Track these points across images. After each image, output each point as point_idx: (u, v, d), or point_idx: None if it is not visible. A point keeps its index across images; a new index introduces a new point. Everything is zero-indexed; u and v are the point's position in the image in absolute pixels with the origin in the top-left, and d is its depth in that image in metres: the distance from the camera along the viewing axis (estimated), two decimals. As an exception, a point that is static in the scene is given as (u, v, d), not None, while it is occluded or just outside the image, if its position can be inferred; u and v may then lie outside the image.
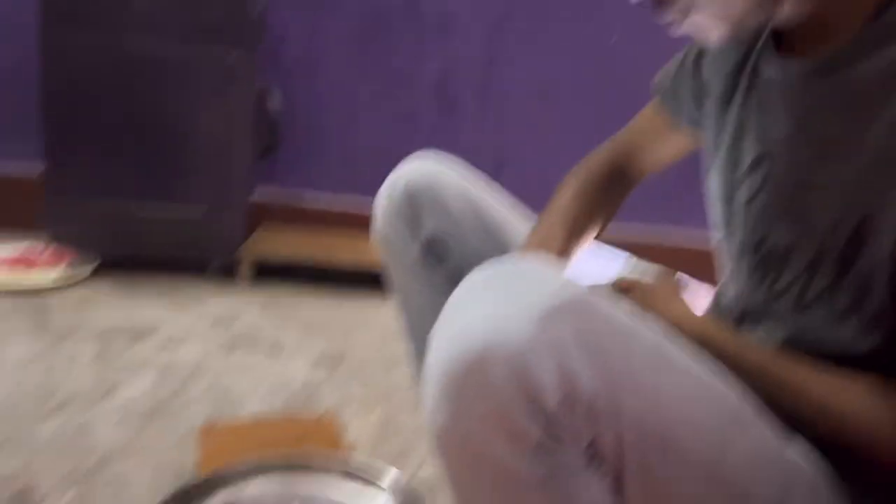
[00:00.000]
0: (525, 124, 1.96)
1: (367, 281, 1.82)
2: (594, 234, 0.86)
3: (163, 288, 1.78)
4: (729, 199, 0.69)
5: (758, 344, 0.63)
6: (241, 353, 1.50)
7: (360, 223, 1.91)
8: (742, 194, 0.66)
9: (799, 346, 0.62)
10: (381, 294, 1.80)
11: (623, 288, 0.71)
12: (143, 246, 1.80)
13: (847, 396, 0.57)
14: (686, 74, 0.80)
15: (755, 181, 0.64)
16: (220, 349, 1.50)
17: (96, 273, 1.80)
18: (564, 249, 0.80)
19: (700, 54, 0.79)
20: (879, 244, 0.55)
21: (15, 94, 1.91)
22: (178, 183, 1.75)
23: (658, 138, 0.86)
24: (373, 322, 1.69)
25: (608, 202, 0.87)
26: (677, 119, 0.83)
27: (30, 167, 1.89)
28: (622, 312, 0.51)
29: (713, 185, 0.72)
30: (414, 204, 0.83)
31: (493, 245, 0.85)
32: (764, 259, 0.64)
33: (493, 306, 0.47)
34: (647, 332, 0.52)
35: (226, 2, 1.67)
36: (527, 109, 1.95)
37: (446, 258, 0.84)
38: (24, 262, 1.82)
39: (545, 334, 0.46)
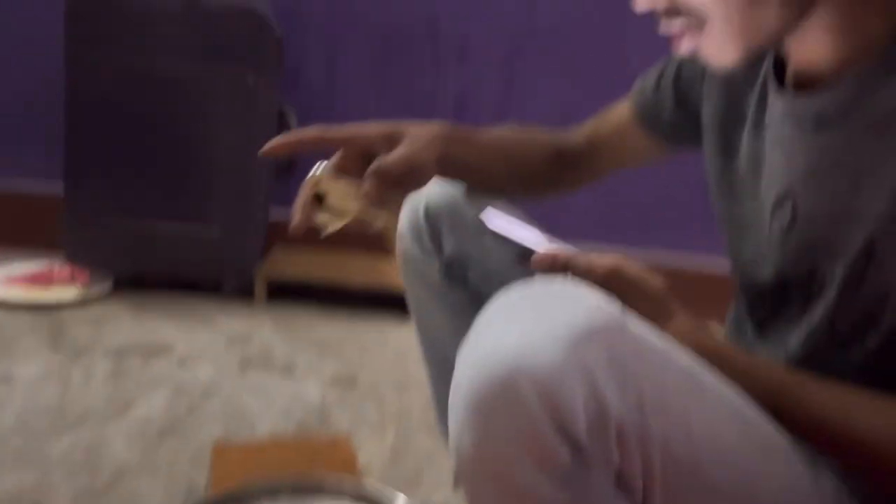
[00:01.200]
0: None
1: (382, 302, 1.82)
2: (500, 163, 0.79)
3: (178, 306, 1.78)
4: (750, 231, 0.68)
5: (769, 360, 0.62)
6: (254, 372, 1.49)
7: (376, 244, 1.92)
8: (774, 227, 0.65)
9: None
10: (396, 316, 1.80)
11: (603, 277, 0.60)
12: (159, 265, 1.81)
13: (874, 414, 0.55)
14: (669, 88, 0.80)
15: (784, 216, 0.63)
16: (234, 368, 1.50)
17: (113, 291, 1.81)
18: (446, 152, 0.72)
19: (686, 68, 0.78)
20: (885, 269, 0.55)
21: (39, 113, 1.94)
22: (196, 203, 1.76)
23: (627, 144, 0.86)
24: (387, 344, 1.69)
25: (542, 166, 0.84)
26: (655, 133, 0.83)
27: (50, 186, 1.91)
28: (654, 336, 0.51)
29: (728, 213, 0.71)
30: (434, 224, 0.83)
31: (513, 268, 0.84)
32: (808, 289, 0.63)
33: (524, 327, 0.46)
34: (680, 357, 0.51)
35: (248, 24, 1.70)
36: (543, 133, 1.95)
37: (466, 279, 0.84)
38: (42, 279, 1.83)
39: (576, 358, 0.45)
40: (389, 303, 1.78)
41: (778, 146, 0.64)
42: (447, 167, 0.72)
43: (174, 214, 1.76)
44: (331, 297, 1.86)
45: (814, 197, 0.61)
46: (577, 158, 0.86)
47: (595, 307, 0.48)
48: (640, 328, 0.49)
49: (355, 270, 1.89)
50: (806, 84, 0.62)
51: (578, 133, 0.88)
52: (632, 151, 0.86)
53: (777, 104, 0.65)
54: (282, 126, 1.88)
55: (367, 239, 1.99)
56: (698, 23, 0.59)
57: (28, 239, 2.02)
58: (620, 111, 0.86)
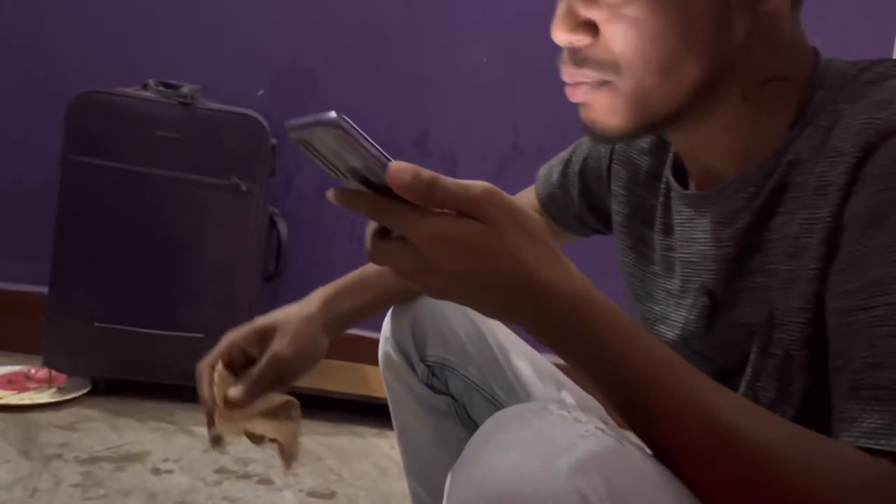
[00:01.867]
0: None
1: (364, 411, 1.79)
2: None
3: (155, 413, 1.74)
4: (669, 326, 0.69)
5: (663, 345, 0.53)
6: (231, 482, 1.45)
7: (358, 352, 1.90)
8: (694, 321, 0.65)
9: None
10: (378, 426, 1.76)
11: (476, 200, 0.47)
12: (139, 370, 1.78)
13: (782, 433, 0.48)
14: (575, 180, 0.82)
15: (704, 309, 0.64)
16: (209, 478, 1.46)
17: (90, 395, 1.77)
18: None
19: (591, 163, 0.80)
20: (786, 333, 0.56)
21: (32, 216, 1.96)
22: (181, 309, 1.76)
23: None
24: (368, 455, 1.65)
25: None
26: (559, 221, 0.85)
27: (34, 287, 1.90)
28: (653, 462, 0.49)
29: (644, 310, 0.72)
30: (418, 331, 0.84)
31: (495, 378, 0.84)
32: (739, 373, 0.63)
33: (519, 453, 0.45)
34: (678, 485, 0.50)
35: (244, 131, 1.74)
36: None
37: (448, 387, 0.84)
38: (19, 381, 1.80)
39: (573, 486, 0.43)
40: (371, 412, 1.75)
41: (689, 244, 0.66)
42: (340, 327, 0.79)
43: (158, 319, 1.75)
44: (311, 406, 1.82)
45: (731, 285, 0.62)
46: None
47: (592, 432, 0.46)
48: (638, 455, 0.48)
49: (337, 378, 1.87)
50: (709, 182, 0.64)
51: None
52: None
53: (682, 205, 0.66)
54: (271, 231, 1.90)
55: (349, 346, 1.98)
56: (605, 78, 0.58)
57: (7, 340, 1.99)
58: (528, 197, 0.89)
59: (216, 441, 0.70)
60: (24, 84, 1.95)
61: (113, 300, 1.74)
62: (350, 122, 0.44)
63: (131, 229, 1.73)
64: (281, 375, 0.74)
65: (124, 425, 1.65)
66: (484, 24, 1.99)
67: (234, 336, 0.76)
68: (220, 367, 0.71)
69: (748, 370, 0.60)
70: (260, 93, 1.98)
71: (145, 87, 1.75)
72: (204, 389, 0.72)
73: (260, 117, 1.77)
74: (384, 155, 0.46)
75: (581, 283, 0.50)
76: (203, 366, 0.75)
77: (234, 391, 0.69)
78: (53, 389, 1.76)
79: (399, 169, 0.45)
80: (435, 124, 2.01)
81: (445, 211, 0.47)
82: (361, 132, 0.45)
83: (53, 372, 1.79)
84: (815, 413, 0.55)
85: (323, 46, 1.98)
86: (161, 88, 1.73)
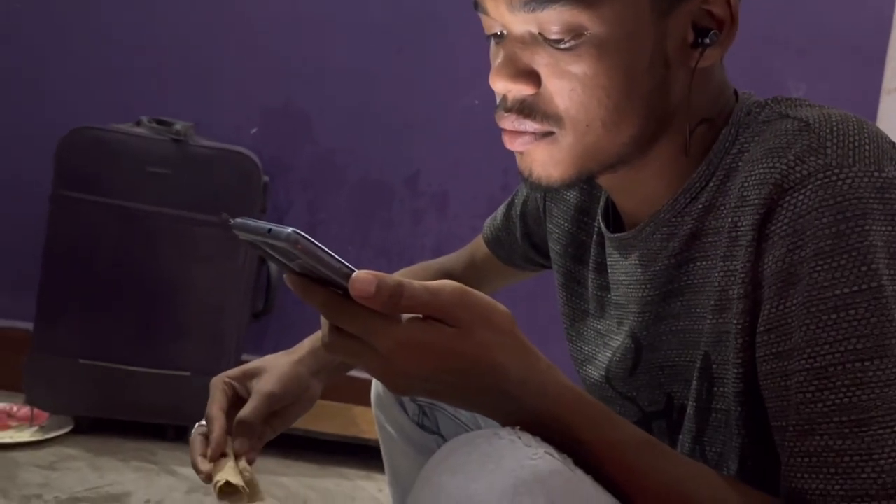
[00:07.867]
0: (517, 300, 1.98)
1: (350, 452, 1.76)
2: None
3: (139, 452, 1.71)
4: (598, 369, 0.69)
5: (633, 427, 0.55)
6: (214, 525, 1.42)
7: (347, 392, 1.88)
8: (620, 365, 0.66)
9: None
10: (365, 468, 1.73)
11: (447, 305, 0.48)
12: (122, 409, 1.75)
13: (736, 496, 0.52)
14: (517, 223, 0.84)
15: (629, 352, 0.65)
16: (192, 520, 1.42)
17: (72, 434, 1.74)
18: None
19: (530, 204, 0.82)
20: (725, 384, 0.56)
21: (19, 251, 1.94)
22: (168, 346, 1.74)
23: (493, 275, 0.92)
24: (354, 498, 1.62)
25: None
26: (510, 264, 0.87)
27: (20, 324, 1.88)
28: (603, 492, 0.49)
29: (577, 351, 0.72)
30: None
31: (485, 419, 0.84)
32: (669, 419, 0.63)
33: (466, 476, 0.46)
34: None
35: (236, 171, 1.75)
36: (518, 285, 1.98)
37: (439, 427, 0.83)
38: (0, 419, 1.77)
39: None
40: (358, 454, 1.73)
41: (617, 286, 0.66)
42: (330, 373, 0.78)
43: (144, 357, 1.72)
44: (298, 446, 1.80)
45: (653, 327, 0.63)
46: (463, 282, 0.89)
47: (540, 455, 0.47)
48: (582, 478, 0.48)
49: (324, 419, 1.84)
50: (638, 223, 0.64)
51: (461, 256, 0.94)
52: (507, 273, 0.91)
53: (611, 247, 0.67)
54: (260, 268, 1.89)
55: (337, 386, 1.95)
56: (547, 130, 0.58)
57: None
58: (481, 254, 0.93)
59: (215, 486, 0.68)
60: (15, 119, 1.95)
61: (98, 337, 1.72)
62: (306, 236, 0.44)
63: (119, 265, 1.72)
64: (273, 415, 0.73)
65: (106, 465, 1.62)
66: (476, 69, 2.02)
67: (222, 376, 0.75)
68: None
69: (691, 425, 0.60)
70: (253, 131, 1.99)
71: (138, 123, 1.76)
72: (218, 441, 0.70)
73: (252, 154, 1.77)
74: (345, 265, 0.45)
75: (550, 375, 0.50)
76: (214, 411, 0.72)
77: (238, 443, 0.68)
78: (35, 428, 1.73)
79: (362, 280, 0.45)
80: (426, 165, 2.02)
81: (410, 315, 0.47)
82: (319, 244, 0.44)
83: (35, 410, 1.76)
84: (755, 466, 0.56)
85: (316, 87, 2.00)
86: (154, 125, 1.74)
